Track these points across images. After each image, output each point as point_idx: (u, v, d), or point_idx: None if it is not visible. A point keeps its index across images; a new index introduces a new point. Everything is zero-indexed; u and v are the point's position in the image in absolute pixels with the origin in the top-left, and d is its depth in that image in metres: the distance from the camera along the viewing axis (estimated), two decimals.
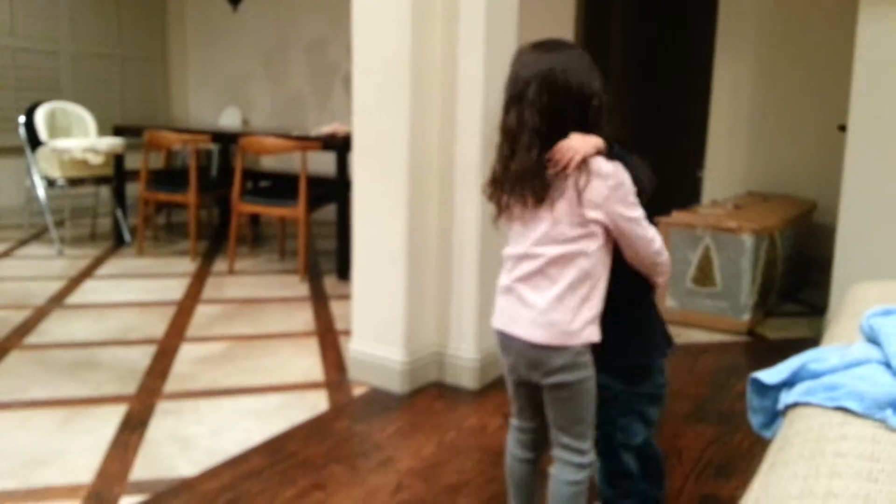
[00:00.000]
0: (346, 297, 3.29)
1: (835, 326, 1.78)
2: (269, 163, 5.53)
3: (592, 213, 1.39)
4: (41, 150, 4.96)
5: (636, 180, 1.43)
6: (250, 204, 4.47)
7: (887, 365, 1.28)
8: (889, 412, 1.13)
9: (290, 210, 4.27)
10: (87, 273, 4.34)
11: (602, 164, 1.38)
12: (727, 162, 4.86)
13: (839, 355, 1.34)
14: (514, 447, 1.61)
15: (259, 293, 4.01)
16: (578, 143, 1.37)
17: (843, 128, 3.25)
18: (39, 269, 4.44)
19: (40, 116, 5.04)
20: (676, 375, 2.88)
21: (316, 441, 2.30)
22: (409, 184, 2.61)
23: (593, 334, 1.44)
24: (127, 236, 5.15)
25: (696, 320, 3.57)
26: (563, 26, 5.23)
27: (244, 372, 2.86)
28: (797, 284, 4.23)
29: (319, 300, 3.89)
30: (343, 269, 4.18)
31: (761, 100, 4.71)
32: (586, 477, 1.51)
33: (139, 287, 4.08)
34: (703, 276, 3.54)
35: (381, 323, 2.73)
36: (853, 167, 3.13)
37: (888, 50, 3.00)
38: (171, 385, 2.72)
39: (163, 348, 3.09)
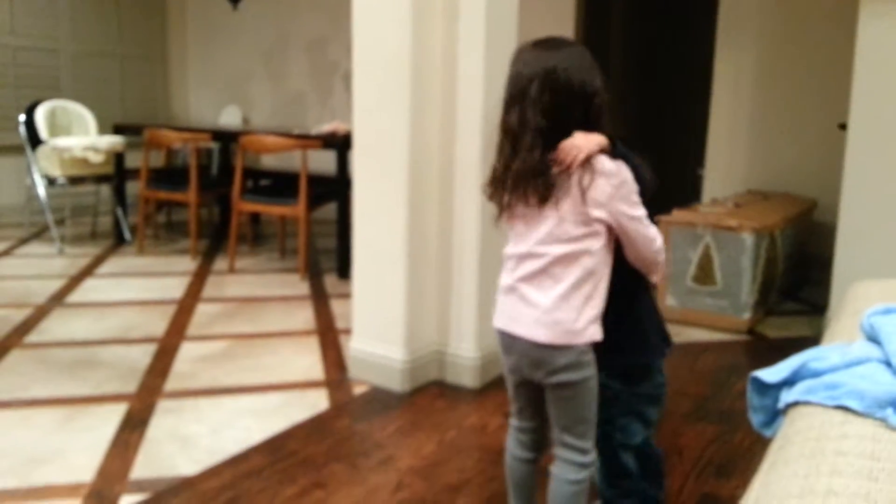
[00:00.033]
0: (346, 295, 3.29)
1: (835, 325, 1.78)
2: (269, 161, 5.53)
3: (596, 212, 1.38)
4: (41, 149, 4.96)
5: (638, 179, 1.43)
6: (251, 202, 4.47)
7: (888, 364, 1.28)
8: (889, 411, 1.13)
9: (291, 209, 4.27)
10: (87, 272, 4.34)
11: (606, 163, 1.38)
12: (727, 160, 4.85)
13: (840, 354, 1.34)
14: (513, 447, 1.61)
15: (259, 292, 4.01)
16: (582, 142, 1.37)
17: (843, 126, 3.25)
18: (40, 267, 4.44)
19: (41, 115, 5.05)
20: (677, 374, 2.88)
21: (316, 440, 2.30)
22: (410, 182, 2.61)
23: (596, 333, 1.44)
24: (127, 235, 5.15)
25: (696, 319, 3.57)
26: (564, 26, 5.23)
27: (245, 371, 2.87)
28: (798, 283, 4.22)
29: (320, 299, 3.89)
30: (343, 268, 4.18)
31: (762, 98, 4.71)
32: (587, 476, 1.51)
33: (140, 286, 4.08)
34: (704, 274, 3.54)
35: (382, 322, 2.73)
36: (854, 165, 3.13)
37: (889, 48, 3.00)
38: (171, 384, 2.72)
39: (163, 347, 3.10)
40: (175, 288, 4.01)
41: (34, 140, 5.00)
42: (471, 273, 2.71)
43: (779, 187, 4.63)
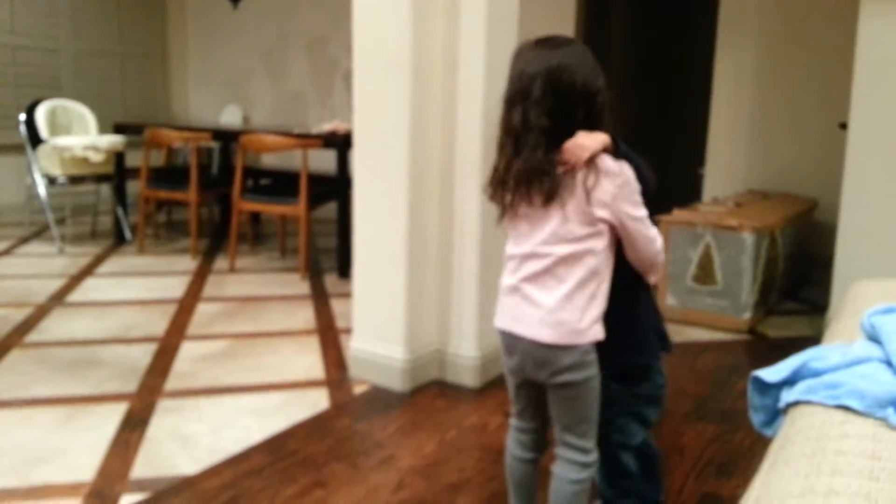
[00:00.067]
0: (346, 295, 3.29)
1: (836, 325, 1.78)
2: (269, 160, 5.53)
3: (600, 212, 1.38)
4: (42, 148, 4.96)
5: (641, 178, 1.43)
6: (251, 202, 4.46)
7: (888, 363, 1.28)
8: (890, 410, 1.13)
9: (291, 208, 4.27)
10: (87, 271, 4.34)
11: (609, 163, 1.38)
12: (728, 160, 4.85)
13: (840, 354, 1.34)
14: (514, 447, 1.61)
15: (260, 291, 4.01)
16: (586, 142, 1.37)
17: (843, 126, 3.25)
18: (40, 266, 4.44)
19: (41, 114, 5.05)
20: (677, 374, 2.88)
21: (317, 439, 2.30)
22: (410, 182, 2.61)
23: (599, 332, 1.44)
24: (128, 234, 5.15)
25: (696, 318, 3.57)
26: (564, 25, 5.22)
27: (245, 370, 2.87)
28: (798, 283, 4.22)
29: (320, 298, 3.89)
30: (344, 268, 4.18)
31: (762, 97, 4.71)
32: (589, 476, 1.51)
33: (140, 285, 4.08)
34: (704, 274, 3.54)
35: (382, 321, 2.73)
36: (854, 165, 3.13)
37: (889, 47, 3.00)
38: (171, 383, 2.72)
39: (164, 346, 3.10)
40: (175, 287, 4.01)
41: (34, 139, 5.01)
42: (471, 272, 2.71)
43: (779, 187, 4.63)
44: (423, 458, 2.19)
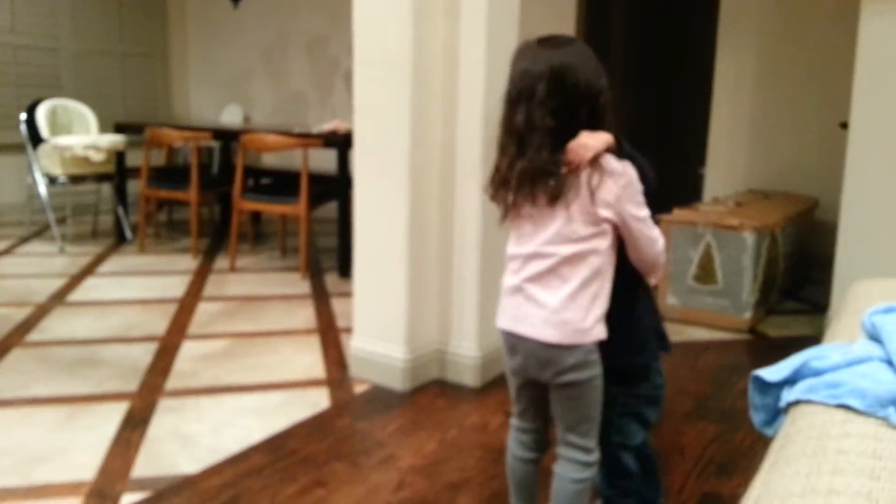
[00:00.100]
0: (347, 294, 3.29)
1: (836, 324, 1.78)
2: (270, 160, 5.53)
3: (605, 212, 1.38)
4: (42, 148, 4.96)
5: (644, 178, 1.43)
6: (251, 201, 4.47)
7: (889, 363, 1.28)
8: (891, 410, 1.13)
9: (292, 207, 4.27)
10: (88, 270, 4.34)
11: (613, 163, 1.38)
12: (728, 159, 4.85)
13: (841, 353, 1.34)
14: (515, 448, 1.60)
15: (260, 290, 4.01)
16: (589, 141, 1.36)
17: (844, 125, 3.24)
18: (41, 266, 4.44)
19: (41, 113, 5.05)
20: (678, 373, 2.88)
21: (317, 438, 2.30)
22: (410, 181, 2.61)
23: (602, 332, 1.44)
24: (128, 233, 5.16)
25: (697, 318, 3.57)
26: (565, 25, 5.22)
27: (245, 369, 2.87)
28: (799, 282, 4.22)
29: (321, 298, 3.89)
30: (344, 267, 4.18)
31: (762, 97, 4.71)
32: (591, 475, 1.51)
33: (141, 284, 4.08)
34: (705, 273, 3.54)
35: (383, 320, 2.73)
36: (855, 165, 3.12)
37: (890, 46, 3.00)
38: (172, 382, 2.72)
39: (164, 346, 3.10)
40: (176, 287, 4.02)
41: (35, 139, 5.01)
42: (472, 272, 2.71)
43: (780, 186, 4.63)
44: (424, 458, 2.19)
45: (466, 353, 2.75)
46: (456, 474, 2.10)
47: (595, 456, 1.50)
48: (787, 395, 1.33)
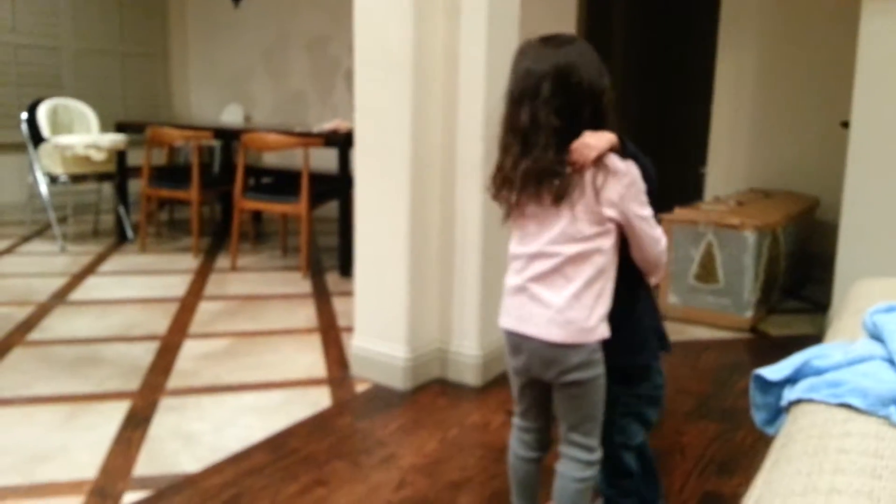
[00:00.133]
0: (348, 293, 3.29)
1: (838, 323, 1.78)
2: (271, 159, 5.53)
3: (609, 212, 1.38)
4: (43, 147, 4.96)
5: (647, 178, 1.43)
6: (252, 200, 4.47)
7: (891, 361, 1.27)
8: (892, 409, 1.13)
9: (293, 206, 4.27)
10: (89, 269, 4.35)
11: (617, 162, 1.38)
12: (729, 158, 4.85)
13: (842, 352, 1.34)
14: (517, 447, 1.61)
15: (261, 290, 4.01)
16: (593, 141, 1.36)
17: (845, 124, 3.24)
18: (42, 265, 4.44)
19: (42, 113, 5.05)
20: (679, 372, 2.88)
21: (318, 437, 2.30)
22: (411, 180, 2.61)
23: (605, 331, 1.44)
24: (129, 233, 5.16)
25: (698, 317, 3.57)
26: (565, 25, 5.22)
27: (247, 368, 2.87)
28: (800, 281, 4.22)
29: (322, 297, 3.89)
30: (345, 266, 4.18)
31: (763, 96, 4.70)
32: (594, 474, 1.51)
33: (142, 283, 4.09)
34: (706, 272, 3.54)
35: (384, 319, 2.73)
36: (856, 164, 3.12)
37: (891, 45, 2.99)
38: (173, 381, 2.72)
39: (165, 345, 3.10)
40: (177, 286, 4.02)
41: (36, 138, 5.01)
42: (473, 271, 2.71)
43: (781, 185, 4.63)
44: (425, 457, 2.19)
45: (467, 353, 2.75)
46: (457, 473, 2.10)
47: (597, 455, 1.50)
48: (789, 394, 1.33)
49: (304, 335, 3.28)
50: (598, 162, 1.36)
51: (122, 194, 5.15)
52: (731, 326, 3.49)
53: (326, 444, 2.25)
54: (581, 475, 1.49)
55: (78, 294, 3.84)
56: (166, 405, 2.51)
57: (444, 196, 2.72)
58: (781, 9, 4.60)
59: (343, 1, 3.24)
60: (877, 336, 1.40)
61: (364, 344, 2.79)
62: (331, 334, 3.28)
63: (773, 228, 3.58)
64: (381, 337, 2.73)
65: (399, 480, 2.05)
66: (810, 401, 1.25)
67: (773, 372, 1.38)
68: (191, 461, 2.13)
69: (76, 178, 5.00)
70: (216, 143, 5.62)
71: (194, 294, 3.87)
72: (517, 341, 1.48)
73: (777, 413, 1.39)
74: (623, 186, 1.38)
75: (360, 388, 2.71)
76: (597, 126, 1.39)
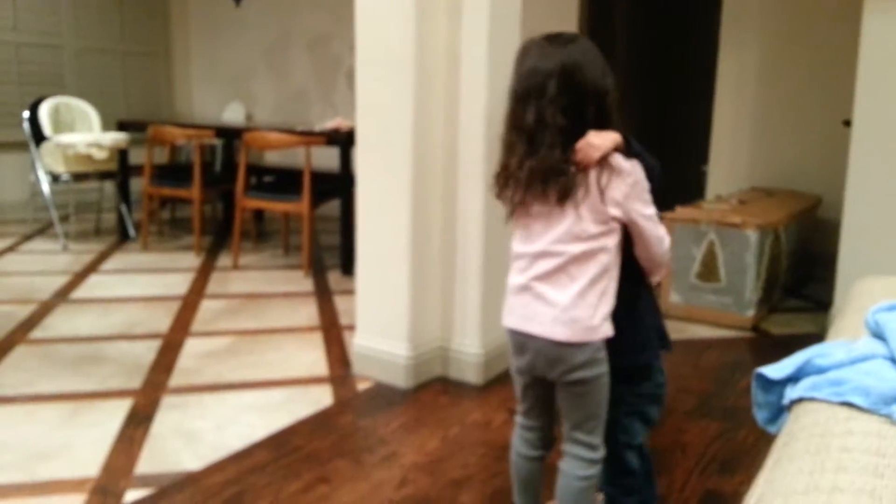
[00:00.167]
0: (350, 292, 3.30)
1: (840, 322, 1.77)
2: (272, 158, 5.53)
3: (614, 211, 1.39)
4: (45, 145, 4.97)
5: (652, 177, 1.43)
6: (254, 199, 4.47)
7: (893, 360, 1.27)
8: (895, 407, 1.13)
9: (294, 205, 4.27)
10: (91, 268, 4.35)
11: (622, 162, 1.38)
12: (731, 157, 4.85)
13: (844, 350, 1.34)
14: (520, 446, 1.61)
15: (263, 288, 4.01)
16: (597, 141, 1.36)
17: (847, 123, 3.24)
18: (44, 263, 4.45)
19: (44, 111, 5.05)
20: (680, 371, 2.88)
21: (320, 435, 2.31)
22: (413, 179, 2.61)
23: (609, 329, 1.44)
24: (131, 231, 5.16)
25: (700, 316, 3.56)
26: (567, 24, 5.21)
27: (249, 367, 2.87)
28: (802, 280, 4.22)
29: (323, 295, 3.90)
30: (347, 265, 4.18)
31: (765, 95, 4.70)
32: (597, 472, 1.51)
33: (144, 282, 4.09)
34: (708, 271, 3.53)
35: (386, 318, 2.73)
36: (858, 162, 3.12)
37: (893, 44, 2.99)
38: (175, 379, 2.72)
39: (168, 343, 3.10)
40: (179, 284, 4.02)
41: (38, 137, 5.01)
42: (474, 269, 2.71)
43: (783, 184, 4.63)
44: (427, 455, 2.19)
45: (469, 351, 2.75)
46: (458, 471, 2.10)
47: (601, 453, 1.50)
48: (791, 393, 1.33)
49: (305, 333, 3.28)
50: (603, 161, 1.36)
51: (123, 193, 5.16)
52: (732, 325, 3.49)
53: (328, 443, 2.26)
54: (584, 473, 1.49)
55: (80, 292, 3.84)
56: (168, 403, 2.52)
57: (445, 194, 2.72)
58: (783, 7, 4.59)
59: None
60: (879, 335, 1.40)
61: (366, 342, 2.79)
62: (332, 332, 3.29)
63: (774, 227, 3.57)
64: (383, 335, 2.74)
65: (401, 478, 2.05)
66: (812, 399, 1.26)
67: (775, 370, 1.38)
68: (193, 459, 2.13)
69: (78, 177, 5.01)
70: (218, 142, 5.62)
71: (196, 292, 3.88)
72: (521, 340, 1.48)
73: (779, 412, 1.39)
74: (628, 186, 1.38)
75: (362, 386, 2.71)
76: (601, 125, 1.39)
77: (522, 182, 1.40)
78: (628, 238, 1.46)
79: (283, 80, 6.77)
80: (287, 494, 1.96)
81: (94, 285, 3.99)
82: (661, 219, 1.50)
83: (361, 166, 2.74)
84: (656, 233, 1.45)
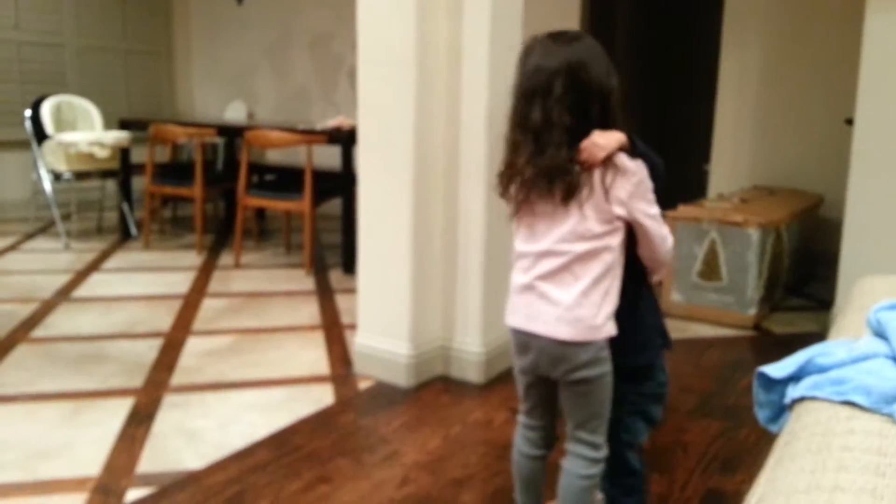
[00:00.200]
0: (351, 290, 3.30)
1: (841, 321, 1.77)
2: (274, 156, 5.54)
3: (619, 210, 1.38)
4: (47, 144, 4.97)
5: (657, 176, 1.42)
6: (256, 198, 4.47)
7: (895, 359, 1.27)
8: None
9: (296, 204, 4.27)
10: (93, 266, 4.35)
11: (626, 161, 1.38)
12: (733, 156, 4.84)
13: (846, 350, 1.33)
14: (522, 445, 1.61)
15: (265, 287, 4.01)
16: (601, 140, 1.36)
17: (849, 121, 3.23)
18: (46, 262, 4.45)
19: (46, 110, 5.06)
20: (682, 370, 2.88)
21: (322, 434, 2.31)
22: (415, 178, 2.61)
23: (612, 328, 1.44)
24: (133, 230, 5.17)
25: (701, 314, 3.56)
26: (569, 24, 5.20)
27: (250, 365, 2.87)
28: (803, 278, 4.21)
29: (325, 294, 3.90)
30: (348, 263, 4.18)
31: (767, 93, 4.69)
32: (599, 471, 1.51)
33: (145, 280, 4.09)
34: (709, 270, 3.53)
35: (387, 317, 2.73)
36: (860, 161, 3.12)
37: (895, 42, 2.98)
38: (177, 378, 2.73)
39: (169, 342, 3.10)
40: (181, 283, 4.02)
41: (40, 135, 5.02)
42: (476, 268, 2.71)
43: (785, 182, 4.62)
44: (428, 454, 2.19)
45: (470, 350, 2.75)
46: (460, 470, 2.10)
47: (603, 452, 1.50)
48: (792, 392, 1.33)
49: (307, 332, 3.28)
50: (608, 161, 1.36)
51: (125, 191, 5.16)
52: (734, 324, 3.49)
53: (329, 441, 2.26)
54: (587, 472, 1.49)
55: (82, 291, 3.84)
56: (170, 402, 2.52)
57: (447, 193, 2.72)
58: (785, 6, 4.58)
59: None
60: (881, 334, 1.39)
61: (367, 341, 2.79)
62: (334, 331, 3.29)
63: (776, 226, 3.57)
64: (385, 334, 2.74)
65: (402, 477, 2.05)
66: (814, 398, 1.25)
67: (777, 369, 1.38)
68: (194, 458, 2.13)
69: (80, 176, 5.01)
70: (219, 141, 5.62)
71: (198, 291, 3.88)
72: (525, 339, 1.48)
73: (780, 411, 1.39)
74: (632, 185, 1.38)
75: (364, 385, 2.71)
76: (605, 124, 1.39)
77: (529, 181, 1.40)
78: (631, 237, 1.46)
79: (284, 79, 6.77)
80: (288, 493, 1.96)
81: (96, 284, 3.99)
82: (664, 217, 1.50)
83: (363, 166, 2.74)
84: (660, 232, 1.44)
